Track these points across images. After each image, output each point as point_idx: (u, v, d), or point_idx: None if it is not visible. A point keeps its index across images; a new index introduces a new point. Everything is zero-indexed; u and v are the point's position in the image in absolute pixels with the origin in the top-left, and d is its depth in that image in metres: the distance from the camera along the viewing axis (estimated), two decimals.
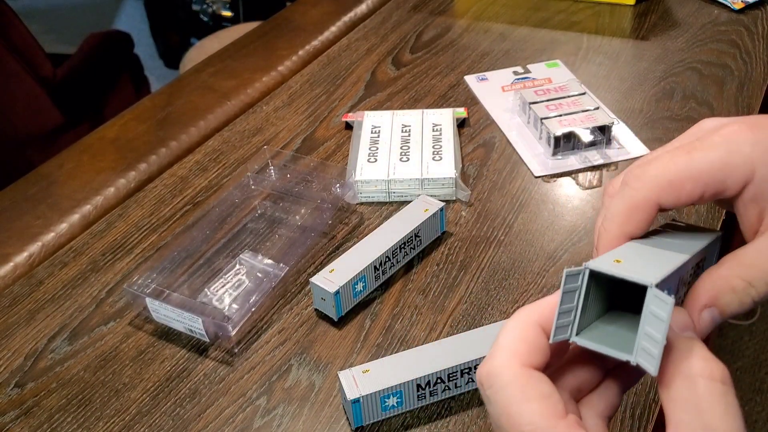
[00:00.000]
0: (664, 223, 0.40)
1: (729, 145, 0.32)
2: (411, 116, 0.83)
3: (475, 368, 0.53)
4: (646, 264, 0.33)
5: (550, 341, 0.32)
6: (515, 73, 0.94)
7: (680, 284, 0.35)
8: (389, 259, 0.64)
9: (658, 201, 0.33)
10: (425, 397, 0.53)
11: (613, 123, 0.77)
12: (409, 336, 0.60)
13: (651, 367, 0.29)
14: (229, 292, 0.64)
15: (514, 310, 0.60)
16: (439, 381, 0.53)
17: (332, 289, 0.59)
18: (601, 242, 0.35)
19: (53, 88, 1.81)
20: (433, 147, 0.77)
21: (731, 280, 0.32)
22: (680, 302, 0.35)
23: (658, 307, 0.29)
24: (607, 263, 0.32)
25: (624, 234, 0.34)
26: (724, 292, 0.33)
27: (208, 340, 0.60)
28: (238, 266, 0.67)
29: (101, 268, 0.69)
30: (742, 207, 0.33)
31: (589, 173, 0.76)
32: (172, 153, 0.85)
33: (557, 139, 0.76)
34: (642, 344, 0.30)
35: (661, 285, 0.30)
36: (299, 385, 0.56)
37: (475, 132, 0.83)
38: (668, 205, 0.34)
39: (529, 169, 0.77)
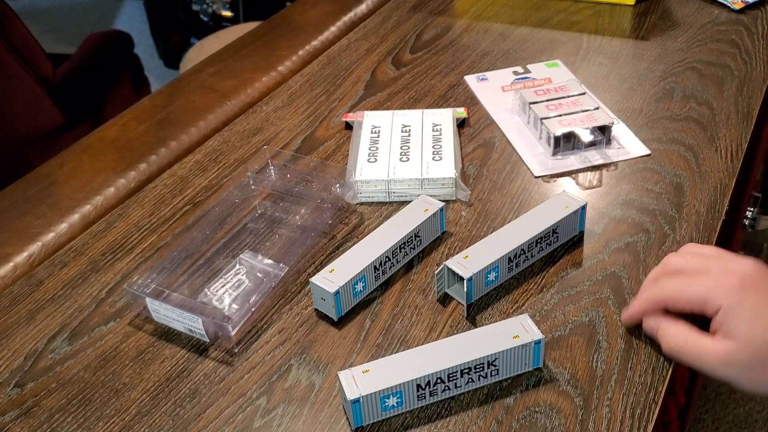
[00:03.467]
0: (560, 193, 0.67)
1: (709, 290, 0.52)
2: (411, 116, 0.83)
3: (475, 368, 0.53)
4: (479, 259, 0.60)
5: (437, 295, 0.62)
6: (515, 73, 0.94)
7: (517, 253, 0.62)
8: (389, 259, 0.64)
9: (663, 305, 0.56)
10: (425, 397, 0.53)
11: (613, 123, 0.77)
12: (409, 336, 0.60)
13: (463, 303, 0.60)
14: (229, 292, 0.64)
15: (514, 311, 0.61)
16: (439, 381, 0.53)
17: (332, 289, 0.59)
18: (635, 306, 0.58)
19: (53, 88, 1.81)
20: (433, 147, 0.77)
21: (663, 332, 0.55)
22: (532, 257, 0.64)
23: (463, 285, 0.59)
24: (455, 261, 0.61)
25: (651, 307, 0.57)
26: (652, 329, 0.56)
27: (208, 340, 0.60)
28: (238, 266, 0.67)
29: (101, 268, 0.69)
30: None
31: (589, 173, 0.76)
32: (172, 153, 0.85)
33: (557, 139, 0.76)
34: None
35: (479, 273, 0.60)
36: (299, 385, 0.56)
37: (475, 132, 0.83)
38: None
39: (529, 169, 0.77)
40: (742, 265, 0.53)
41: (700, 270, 0.54)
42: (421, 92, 0.91)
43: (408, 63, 0.98)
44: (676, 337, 0.53)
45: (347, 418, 0.53)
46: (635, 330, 0.58)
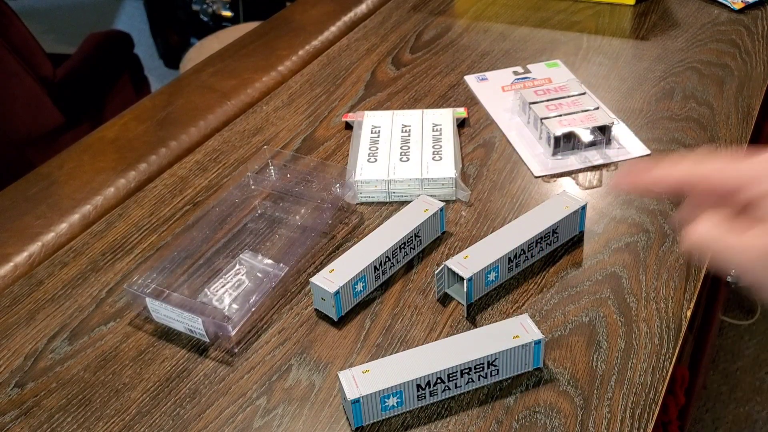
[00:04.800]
0: (560, 193, 0.67)
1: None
2: (411, 116, 0.83)
3: (475, 368, 0.53)
4: (480, 259, 0.61)
5: (437, 295, 0.63)
6: (515, 73, 0.94)
7: (517, 253, 0.62)
8: (389, 259, 0.64)
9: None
10: (425, 397, 0.53)
11: (613, 123, 0.77)
12: (409, 336, 0.60)
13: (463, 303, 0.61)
14: (229, 292, 0.64)
15: (514, 311, 0.61)
16: (439, 381, 0.53)
17: (332, 289, 0.59)
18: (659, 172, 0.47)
19: (53, 88, 1.81)
20: (433, 147, 0.77)
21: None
22: (532, 257, 0.64)
23: (463, 285, 0.59)
24: (455, 261, 0.61)
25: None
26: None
27: (208, 340, 0.60)
28: (238, 266, 0.67)
29: (101, 268, 0.69)
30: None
31: (589, 173, 0.76)
32: (172, 153, 0.85)
33: (557, 139, 0.76)
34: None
35: (479, 273, 0.60)
36: (299, 385, 0.56)
37: (475, 132, 0.83)
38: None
39: (529, 169, 0.77)
40: None
41: (741, 157, 0.45)
42: (421, 92, 0.91)
43: (408, 63, 0.98)
44: (707, 231, 0.44)
45: (347, 418, 0.53)
46: (635, 330, 0.58)
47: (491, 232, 0.65)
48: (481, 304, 0.62)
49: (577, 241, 0.67)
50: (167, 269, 0.65)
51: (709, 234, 0.44)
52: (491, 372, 0.54)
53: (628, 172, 0.48)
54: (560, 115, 0.78)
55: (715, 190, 0.46)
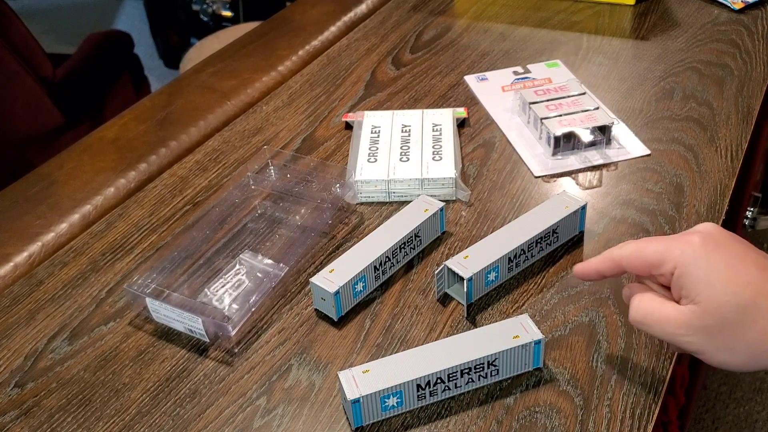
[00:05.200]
0: (560, 193, 0.68)
1: (669, 247, 0.49)
2: (411, 116, 0.83)
3: (475, 368, 0.53)
4: (479, 259, 0.61)
5: (437, 295, 0.63)
6: (515, 73, 0.94)
7: (517, 253, 0.63)
8: (389, 259, 0.64)
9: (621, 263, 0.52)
10: (425, 397, 0.53)
11: (613, 123, 0.77)
12: (409, 336, 0.60)
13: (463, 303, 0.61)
14: (229, 292, 0.64)
15: (514, 311, 0.61)
16: (439, 381, 0.53)
17: (332, 289, 0.59)
18: (592, 261, 0.54)
19: (53, 88, 1.81)
20: (433, 147, 0.77)
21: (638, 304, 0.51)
22: (532, 257, 0.65)
23: (463, 285, 0.60)
24: (455, 261, 0.61)
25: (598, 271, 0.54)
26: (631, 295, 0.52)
27: (208, 340, 0.60)
28: (238, 266, 0.67)
29: (101, 268, 0.69)
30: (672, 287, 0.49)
31: (589, 173, 0.76)
32: (172, 153, 0.85)
33: (557, 139, 0.76)
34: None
35: (479, 273, 0.60)
36: (299, 385, 0.56)
37: (475, 132, 0.83)
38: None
39: (529, 169, 0.77)
40: (700, 226, 0.50)
41: (663, 236, 0.51)
42: (421, 92, 0.91)
43: (408, 63, 0.98)
44: (640, 304, 0.50)
45: (347, 418, 0.53)
46: (635, 330, 0.58)
47: (491, 232, 0.65)
48: (481, 304, 0.62)
49: (577, 241, 0.67)
50: (167, 269, 0.65)
51: (642, 307, 0.50)
52: (491, 372, 0.54)
53: (580, 267, 0.55)
54: (560, 115, 0.78)
55: (637, 272, 0.51)
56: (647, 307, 0.49)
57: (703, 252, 0.47)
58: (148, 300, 0.61)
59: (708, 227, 0.49)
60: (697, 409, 1.58)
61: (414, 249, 0.67)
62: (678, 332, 0.47)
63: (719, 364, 0.47)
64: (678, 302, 0.48)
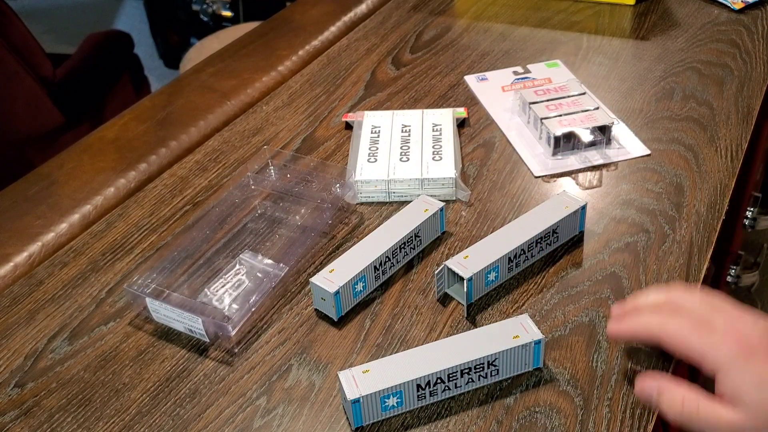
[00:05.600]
0: (560, 193, 0.68)
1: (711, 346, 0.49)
2: (411, 116, 0.83)
3: (475, 368, 0.53)
4: (479, 259, 0.61)
5: (437, 295, 0.63)
6: (515, 73, 0.94)
7: (517, 253, 0.62)
8: (389, 259, 0.64)
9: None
10: (425, 397, 0.53)
11: (613, 123, 0.77)
12: (409, 336, 0.60)
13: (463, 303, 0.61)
14: (229, 292, 0.64)
15: (514, 311, 0.61)
16: (439, 381, 0.53)
17: (332, 289, 0.59)
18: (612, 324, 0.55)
19: (53, 88, 1.81)
20: (433, 147, 0.77)
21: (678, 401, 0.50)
22: (532, 257, 0.65)
23: (463, 285, 0.60)
24: (455, 261, 0.61)
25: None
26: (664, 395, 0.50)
27: (208, 340, 0.60)
28: (238, 266, 0.67)
29: (101, 268, 0.69)
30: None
31: (589, 173, 0.76)
32: (172, 153, 0.85)
33: (557, 139, 0.76)
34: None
35: (479, 273, 0.60)
36: (299, 385, 0.56)
37: (475, 132, 0.83)
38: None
39: (529, 169, 0.77)
40: (748, 325, 0.50)
41: (705, 319, 0.50)
42: (421, 92, 0.91)
43: (408, 63, 0.98)
44: (688, 402, 0.49)
45: (347, 418, 0.53)
46: None
47: (491, 232, 0.65)
48: (481, 304, 0.62)
49: (577, 241, 0.67)
50: (167, 269, 0.65)
51: (693, 401, 0.49)
52: (491, 372, 0.54)
53: (614, 323, 0.55)
54: (560, 115, 0.78)
55: (674, 354, 0.52)
56: (696, 405, 0.49)
57: (747, 359, 0.47)
58: (148, 300, 0.61)
59: (753, 329, 0.49)
60: None
61: (414, 249, 0.67)
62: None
63: None
64: (718, 396, 0.49)
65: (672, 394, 0.50)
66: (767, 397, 0.46)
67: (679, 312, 0.51)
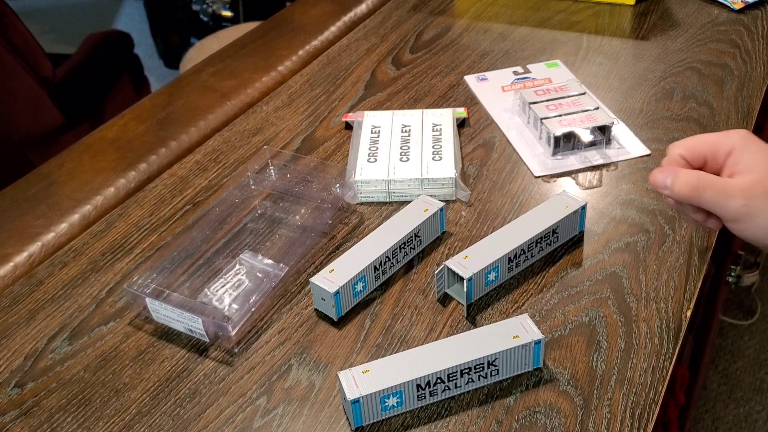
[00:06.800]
0: (560, 193, 0.68)
1: (722, 135, 0.55)
2: (411, 116, 0.83)
3: (475, 368, 0.53)
4: (479, 259, 0.61)
5: (437, 295, 0.63)
6: (515, 73, 0.94)
7: (517, 253, 0.63)
8: (389, 259, 0.64)
9: (683, 154, 0.56)
10: (425, 397, 0.53)
11: (613, 123, 0.77)
12: (409, 336, 0.60)
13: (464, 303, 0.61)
14: (229, 292, 0.64)
15: (514, 311, 0.61)
16: (439, 381, 0.53)
17: (332, 289, 0.59)
18: (665, 161, 0.57)
19: (53, 88, 1.81)
20: (433, 147, 0.77)
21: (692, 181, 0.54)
22: (532, 257, 0.65)
23: (463, 285, 0.59)
24: (455, 261, 0.61)
25: (674, 160, 0.57)
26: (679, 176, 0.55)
27: (208, 340, 0.60)
28: (238, 266, 0.67)
29: (101, 268, 0.69)
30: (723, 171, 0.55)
31: (589, 173, 0.76)
32: (172, 153, 0.85)
33: (557, 139, 0.76)
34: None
35: (479, 273, 0.60)
36: (299, 385, 0.56)
37: (475, 132, 0.83)
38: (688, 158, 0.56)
39: (529, 169, 0.77)
40: (734, 131, 0.56)
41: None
42: (421, 92, 0.91)
43: (408, 63, 0.98)
44: (697, 178, 0.54)
45: (347, 418, 0.53)
46: (635, 330, 0.58)
47: (491, 232, 0.65)
48: (481, 304, 0.62)
49: (577, 241, 0.67)
50: (167, 269, 0.65)
51: (693, 178, 0.54)
52: (491, 372, 0.54)
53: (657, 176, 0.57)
54: (560, 115, 0.78)
55: (695, 159, 0.56)
56: (706, 178, 0.54)
57: (752, 138, 0.54)
58: (148, 300, 0.61)
59: (743, 131, 0.55)
60: (697, 409, 1.58)
61: (414, 249, 0.67)
62: (737, 195, 0.52)
63: (751, 233, 0.53)
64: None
65: (687, 175, 0.54)
66: None
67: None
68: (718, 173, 0.55)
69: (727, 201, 0.53)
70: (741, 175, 0.53)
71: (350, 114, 0.87)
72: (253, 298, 0.62)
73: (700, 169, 0.56)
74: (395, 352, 0.58)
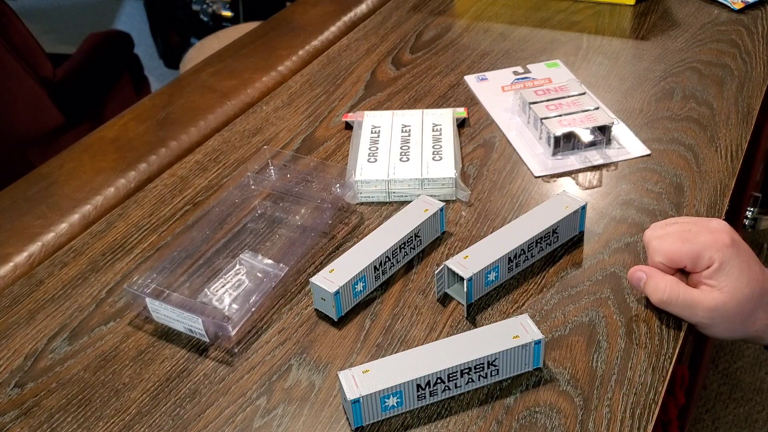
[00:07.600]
0: (560, 193, 0.68)
1: (706, 246, 0.57)
2: (411, 116, 0.83)
3: (475, 368, 0.53)
4: (479, 259, 0.61)
5: (437, 295, 0.63)
6: (515, 73, 0.94)
7: (517, 253, 0.63)
8: (389, 259, 0.64)
9: (663, 262, 0.59)
10: (425, 397, 0.53)
11: (613, 123, 0.77)
12: (409, 336, 0.60)
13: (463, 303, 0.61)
14: (229, 292, 0.64)
15: (514, 311, 0.61)
16: (439, 381, 0.53)
17: (332, 289, 0.59)
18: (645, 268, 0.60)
19: (53, 88, 1.81)
20: (433, 147, 0.77)
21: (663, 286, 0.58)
22: (532, 257, 0.65)
23: (463, 285, 0.59)
24: (455, 261, 0.61)
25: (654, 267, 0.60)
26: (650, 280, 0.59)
27: (208, 340, 0.60)
28: (238, 266, 0.67)
29: (101, 268, 0.69)
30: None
31: (589, 173, 0.76)
32: (172, 153, 0.85)
33: (557, 139, 0.76)
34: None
35: (479, 273, 0.60)
36: (299, 385, 0.56)
37: (475, 132, 0.83)
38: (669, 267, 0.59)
39: (529, 169, 0.77)
40: (716, 222, 0.59)
41: (688, 229, 0.58)
42: (421, 92, 0.91)
43: (408, 63, 0.98)
44: (670, 289, 0.57)
45: (347, 418, 0.53)
46: (635, 330, 0.58)
47: (491, 232, 0.65)
48: (481, 304, 0.62)
49: (577, 241, 0.67)
50: (167, 269, 0.65)
51: (669, 290, 0.57)
52: (491, 372, 0.54)
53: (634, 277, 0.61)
54: (560, 115, 0.78)
55: (675, 266, 0.59)
56: (674, 291, 0.57)
57: (734, 252, 0.56)
58: (148, 300, 0.61)
59: (725, 226, 0.58)
60: (697, 409, 1.58)
61: (414, 249, 0.67)
62: (704, 315, 0.57)
63: (715, 336, 0.59)
64: (694, 287, 0.58)
65: (657, 281, 0.58)
66: (743, 286, 0.56)
67: (665, 235, 0.59)
68: (694, 272, 0.58)
69: (692, 312, 0.57)
70: (711, 292, 0.56)
71: (350, 114, 0.87)
72: (253, 298, 0.62)
73: (681, 269, 0.59)
74: (395, 352, 0.58)
